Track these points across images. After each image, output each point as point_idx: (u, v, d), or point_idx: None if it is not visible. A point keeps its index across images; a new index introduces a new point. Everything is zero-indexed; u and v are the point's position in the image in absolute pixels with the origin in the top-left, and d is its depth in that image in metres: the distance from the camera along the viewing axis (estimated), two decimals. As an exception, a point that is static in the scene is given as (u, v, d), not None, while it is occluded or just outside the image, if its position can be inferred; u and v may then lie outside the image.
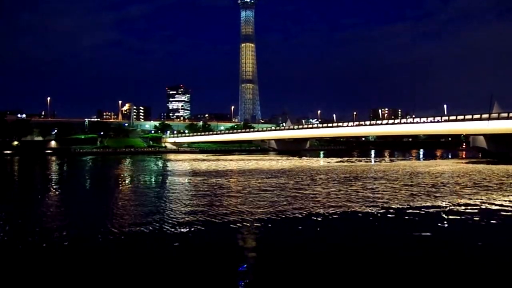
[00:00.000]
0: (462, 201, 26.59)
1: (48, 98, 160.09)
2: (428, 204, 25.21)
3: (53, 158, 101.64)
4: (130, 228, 18.70)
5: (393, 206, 24.39)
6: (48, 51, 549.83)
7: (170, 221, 20.07)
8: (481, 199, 27.32)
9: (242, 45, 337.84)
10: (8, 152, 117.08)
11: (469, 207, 24.00)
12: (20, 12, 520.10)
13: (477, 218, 21.01)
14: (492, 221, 20.30)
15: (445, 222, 20.54)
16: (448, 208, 23.78)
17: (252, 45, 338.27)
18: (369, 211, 22.99)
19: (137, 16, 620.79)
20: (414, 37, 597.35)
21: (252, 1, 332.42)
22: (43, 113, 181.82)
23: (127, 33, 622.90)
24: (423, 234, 17.63)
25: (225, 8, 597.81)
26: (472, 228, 19.36)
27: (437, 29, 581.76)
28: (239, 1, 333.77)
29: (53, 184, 41.56)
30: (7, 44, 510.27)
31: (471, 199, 27.46)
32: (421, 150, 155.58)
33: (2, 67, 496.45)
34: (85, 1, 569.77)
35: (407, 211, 22.92)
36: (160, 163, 77.82)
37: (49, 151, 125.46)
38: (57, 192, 34.66)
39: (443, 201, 26.35)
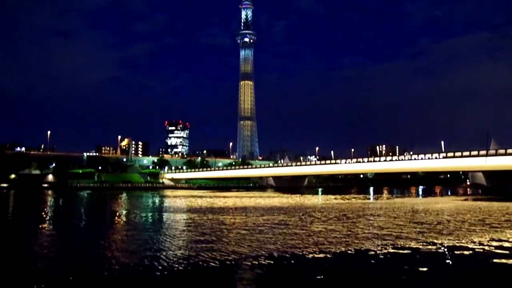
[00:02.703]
0: (472, 239, 25.77)
1: (48, 132, 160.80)
2: (438, 242, 24.34)
3: (50, 192, 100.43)
4: (121, 268, 17.67)
5: (402, 245, 23.54)
6: (52, 86, 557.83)
7: (164, 263, 18.75)
8: (490, 238, 26.47)
9: (241, 83, 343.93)
10: (5, 185, 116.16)
11: (480, 247, 23.25)
12: (28, 48, 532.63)
13: (490, 258, 20.31)
14: (506, 261, 19.62)
15: (460, 262, 19.71)
16: (460, 247, 22.94)
17: (251, 83, 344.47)
18: (378, 250, 22.08)
19: (140, 54, 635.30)
20: (410, 75, 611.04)
21: (251, 41, 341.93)
22: (42, 147, 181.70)
23: (129, 70, 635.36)
24: (439, 277, 16.97)
25: (225, 47, 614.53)
26: (487, 269, 18.68)
27: (432, 67, 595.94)
28: (239, 41, 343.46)
29: (45, 221, 40.58)
30: (13, 78, 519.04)
31: (480, 237, 26.61)
32: (420, 187, 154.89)
33: (5, 100, 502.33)
34: (91, 39, 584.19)
35: (418, 250, 22.09)
36: (156, 200, 76.82)
37: (46, 185, 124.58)
38: (48, 230, 33.75)
39: (453, 240, 25.49)
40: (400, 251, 21.61)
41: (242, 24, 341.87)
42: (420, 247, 22.87)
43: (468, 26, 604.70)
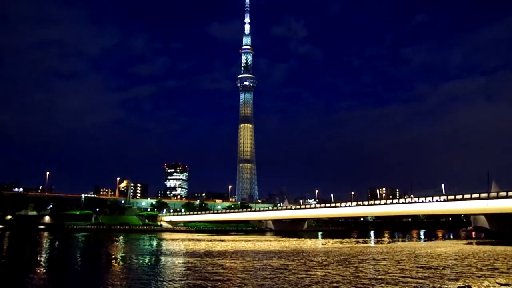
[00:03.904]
0: (480, 285, 25.06)
1: (47, 173, 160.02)
2: None
3: (46, 234, 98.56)
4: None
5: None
6: (54, 127, 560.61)
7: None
8: (499, 283, 25.78)
9: (241, 125, 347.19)
10: (0, 226, 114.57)
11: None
12: (31, 89, 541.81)
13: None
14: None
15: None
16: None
17: (251, 126, 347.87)
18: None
19: (141, 97, 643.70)
20: (407, 118, 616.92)
21: (251, 84, 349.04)
22: (40, 188, 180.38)
23: (130, 112, 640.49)
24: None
25: (225, 90, 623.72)
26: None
27: (428, 111, 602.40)
28: (239, 85, 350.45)
29: (39, 265, 39.60)
30: (13, 118, 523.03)
31: (488, 283, 25.88)
32: (422, 230, 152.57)
33: (5, 140, 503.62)
34: (93, 82, 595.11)
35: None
36: (154, 243, 75.30)
37: (42, 226, 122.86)
38: (41, 275, 32.91)
39: (460, 285, 24.83)
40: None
41: (242, 68, 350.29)
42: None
43: (464, 70, 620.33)
